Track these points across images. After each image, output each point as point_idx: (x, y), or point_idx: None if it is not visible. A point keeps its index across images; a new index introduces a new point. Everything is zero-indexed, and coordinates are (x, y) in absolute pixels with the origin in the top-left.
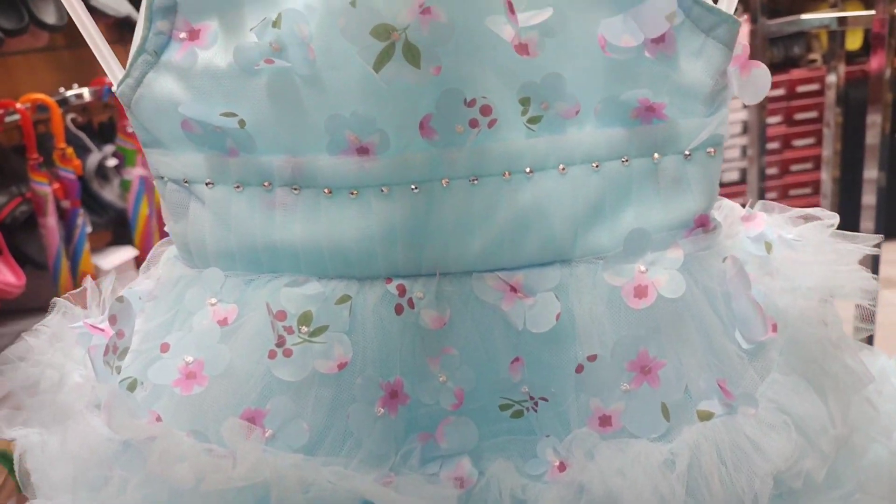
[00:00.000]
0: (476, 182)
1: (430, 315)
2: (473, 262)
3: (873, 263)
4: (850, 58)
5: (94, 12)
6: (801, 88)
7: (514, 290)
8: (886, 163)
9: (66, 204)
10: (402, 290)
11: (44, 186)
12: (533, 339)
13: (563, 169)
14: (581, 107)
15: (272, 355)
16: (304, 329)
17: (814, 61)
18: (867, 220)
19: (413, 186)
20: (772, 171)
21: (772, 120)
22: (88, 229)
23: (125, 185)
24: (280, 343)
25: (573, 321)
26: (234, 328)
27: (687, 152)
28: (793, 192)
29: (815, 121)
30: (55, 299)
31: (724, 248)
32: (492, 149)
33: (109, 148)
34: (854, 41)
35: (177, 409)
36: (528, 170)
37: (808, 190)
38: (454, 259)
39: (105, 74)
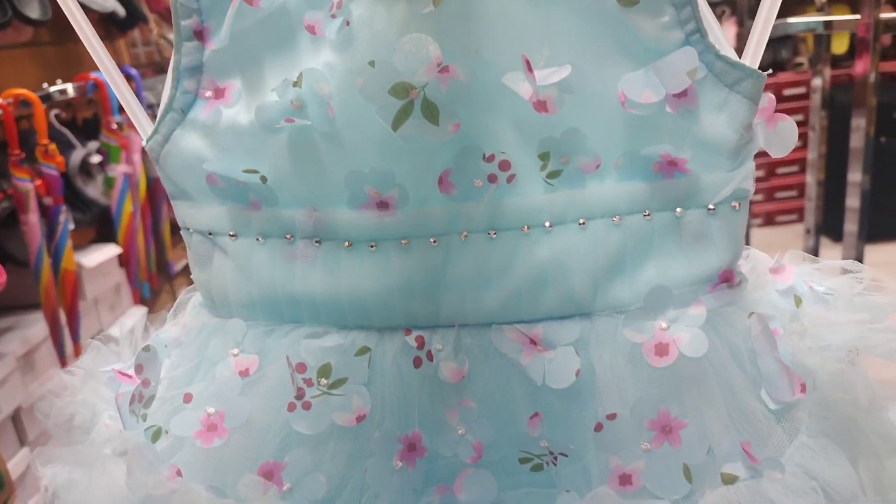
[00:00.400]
0: (494, 236)
1: (449, 368)
2: (492, 314)
3: None
4: (836, 61)
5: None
6: (787, 91)
7: (533, 342)
8: (871, 166)
9: (48, 201)
10: (420, 342)
11: (26, 183)
12: (552, 394)
13: (583, 223)
14: (601, 161)
15: (291, 408)
16: (324, 381)
17: (800, 65)
18: (851, 223)
19: (432, 240)
20: (758, 173)
21: None
22: (71, 226)
23: (109, 182)
24: (299, 395)
25: (593, 376)
26: (254, 379)
27: (711, 206)
28: (779, 194)
29: (801, 124)
30: (89, 340)
31: (751, 302)
32: (510, 203)
33: (93, 144)
34: (840, 45)
35: (197, 460)
36: (547, 224)
37: (793, 192)
38: (472, 311)
39: (89, 70)
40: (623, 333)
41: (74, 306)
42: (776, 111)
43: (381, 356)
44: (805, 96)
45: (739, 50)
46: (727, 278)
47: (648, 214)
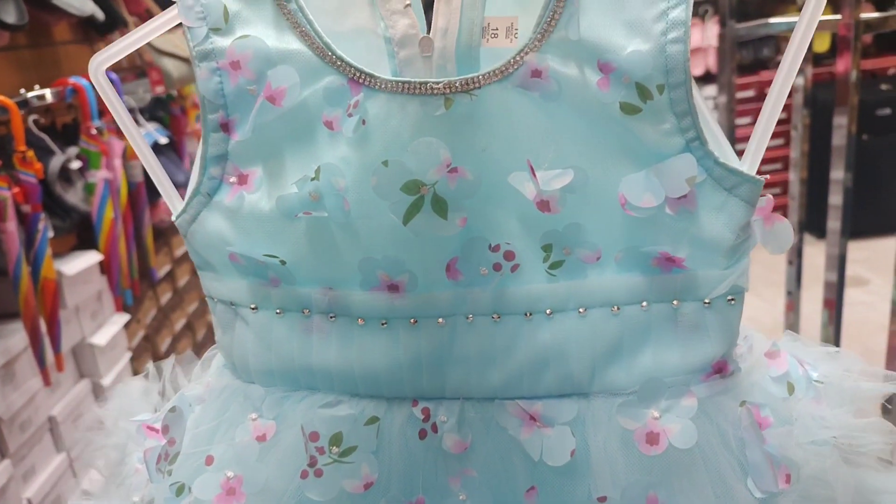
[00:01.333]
0: (498, 319)
1: (452, 440)
2: (495, 390)
3: (840, 263)
4: (818, 60)
5: (57, 11)
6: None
7: (533, 419)
8: (853, 164)
9: (26, 208)
10: (426, 414)
11: (3, 191)
12: (549, 469)
13: (583, 311)
14: (602, 253)
15: (304, 475)
16: (335, 449)
17: None
18: (834, 220)
19: (440, 320)
20: None
21: (742, 121)
22: (50, 234)
23: (89, 189)
24: (312, 463)
25: (588, 455)
26: (271, 444)
27: (706, 301)
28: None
29: (783, 121)
30: (118, 385)
31: (743, 390)
32: (514, 291)
33: (73, 150)
34: (821, 44)
35: None
36: (548, 311)
37: (777, 190)
38: (476, 387)
39: (68, 75)
40: (617, 419)
41: (55, 315)
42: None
43: (388, 425)
44: (788, 94)
45: (721, 49)
46: (721, 368)
47: (646, 305)
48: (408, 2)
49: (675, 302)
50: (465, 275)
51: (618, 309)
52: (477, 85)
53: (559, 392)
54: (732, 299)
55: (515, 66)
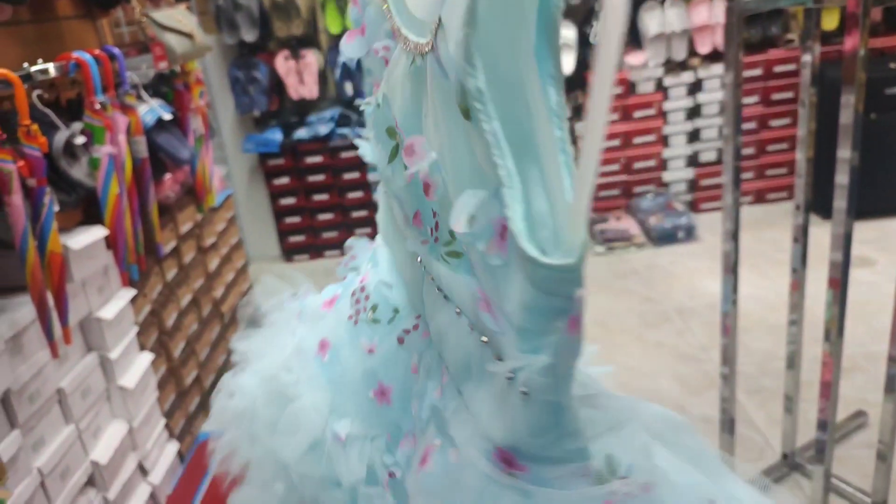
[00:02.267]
0: (431, 280)
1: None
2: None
3: (845, 242)
4: (828, 38)
5: None
6: (777, 69)
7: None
8: (860, 143)
9: (31, 182)
10: (416, 326)
11: (8, 164)
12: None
13: (459, 312)
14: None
15: (349, 318)
16: (371, 313)
17: (791, 41)
18: (840, 200)
19: (418, 258)
20: (749, 150)
21: (749, 100)
22: (56, 208)
23: (94, 164)
24: (356, 313)
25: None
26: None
27: (509, 372)
28: (769, 171)
29: (791, 101)
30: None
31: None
32: (432, 261)
33: (77, 125)
34: (831, 21)
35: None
36: (445, 295)
37: (783, 170)
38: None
39: (71, 50)
40: (429, 428)
41: (62, 288)
42: (769, 88)
43: (403, 319)
44: (796, 73)
45: (729, 24)
46: (506, 460)
47: (472, 329)
48: None
49: (483, 339)
50: (422, 228)
51: (472, 330)
52: (422, 51)
53: (456, 378)
54: (525, 393)
55: (434, 41)
